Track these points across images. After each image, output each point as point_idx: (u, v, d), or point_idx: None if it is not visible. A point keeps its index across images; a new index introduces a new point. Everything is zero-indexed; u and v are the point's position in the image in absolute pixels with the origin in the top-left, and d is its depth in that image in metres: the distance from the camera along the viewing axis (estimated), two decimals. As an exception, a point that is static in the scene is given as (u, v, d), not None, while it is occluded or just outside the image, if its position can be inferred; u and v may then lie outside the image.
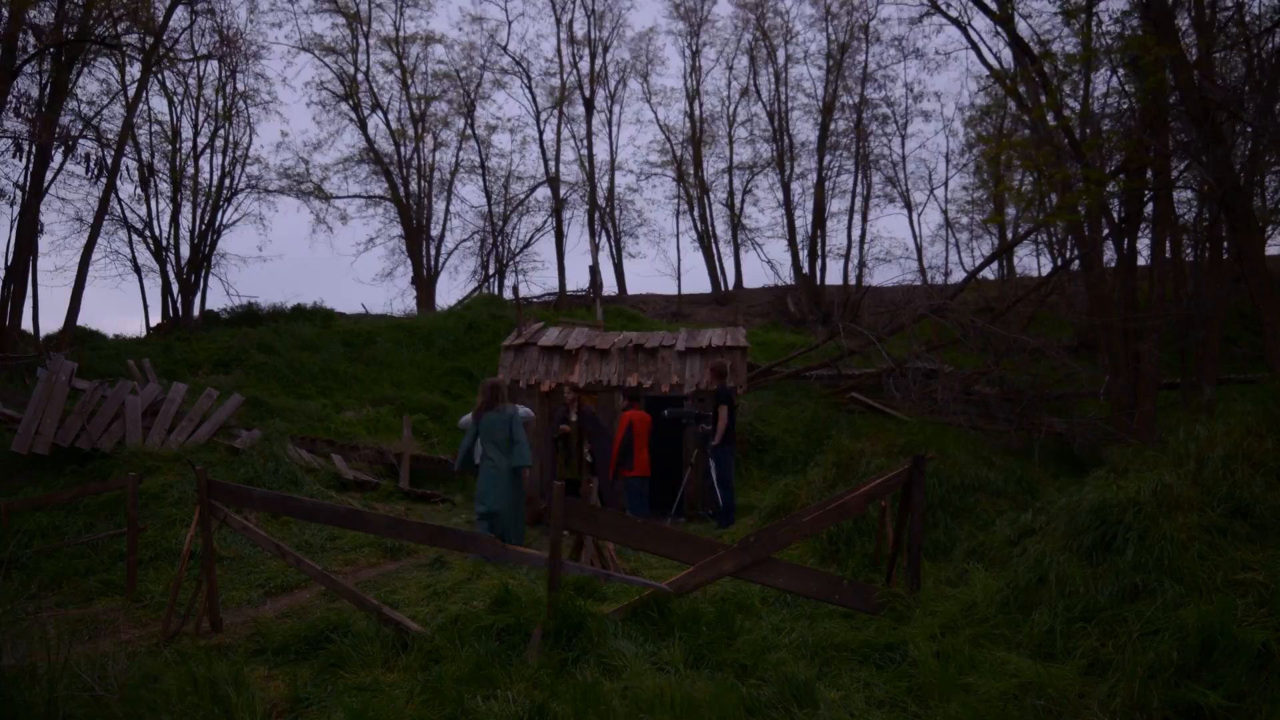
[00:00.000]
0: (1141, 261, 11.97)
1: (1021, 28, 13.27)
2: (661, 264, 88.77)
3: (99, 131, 22.21)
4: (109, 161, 20.95)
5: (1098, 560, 5.16)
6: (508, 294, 32.05)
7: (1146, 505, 5.15)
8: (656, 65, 36.14)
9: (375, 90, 32.51)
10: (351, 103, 32.16)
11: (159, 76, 25.12)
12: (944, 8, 14.83)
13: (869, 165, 32.52)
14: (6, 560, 8.16)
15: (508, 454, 9.28)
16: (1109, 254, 12.74)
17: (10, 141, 19.31)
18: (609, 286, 33.61)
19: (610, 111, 35.67)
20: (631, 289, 35.86)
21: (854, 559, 7.65)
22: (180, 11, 22.67)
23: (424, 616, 6.35)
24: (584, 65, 34.34)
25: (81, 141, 20.57)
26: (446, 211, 34.34)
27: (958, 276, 29.48)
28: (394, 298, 63.84)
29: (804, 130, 36.89)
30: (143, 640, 6.40)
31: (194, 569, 6.85)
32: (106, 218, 23.72)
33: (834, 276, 33.18)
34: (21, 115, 18.43)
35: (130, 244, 27.56)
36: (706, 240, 35.39)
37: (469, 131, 34.10)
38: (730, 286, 35.34)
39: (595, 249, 33.52)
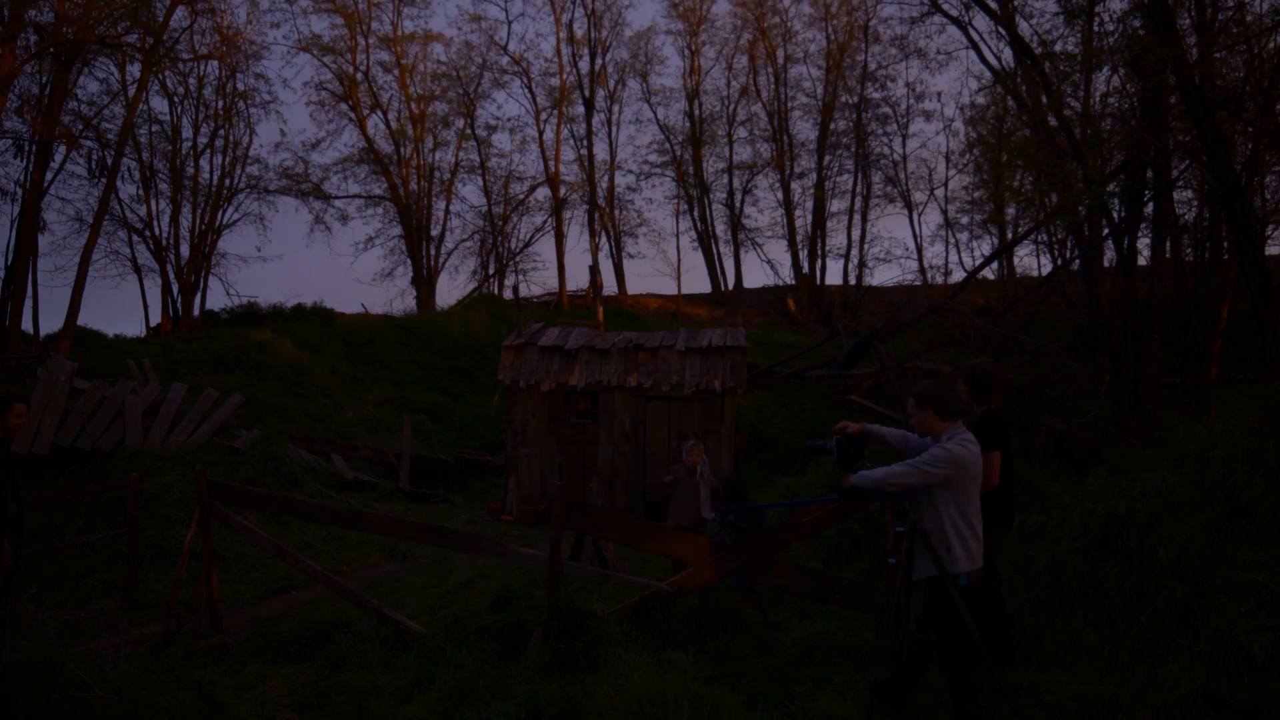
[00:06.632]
0: (1141, 261, 11.95)
1: (1023, 28, 13.25)
2: (661, 264, 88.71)
3: (99, 131, 22.21)
4: (109, 161, 20.94)
5: (1098, 560, 5.15)
6: (508, 294, 32.05)
7: (1147, 505, 5.15)
8: (656, 65, 36.14)
9: (374, 90, 32.51)
10: (351, 102, 32.14)
11: (159, 76, 25.11)
12: (945, 8, 14.79)
13: (869, 165, 32.51)
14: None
15: None
16: (1109, 254, 12.73)
17: (10, 141, 19.33)
18: (609, 286, 33.66)
19: (610, 111, 35.72)
20: (631, 289, 35.90)
21: (855, 559, 7.65)
22: (180, 11, 22.67)
23: (424, 617, 6.35)
24: (584, 65, 34.37)
25: (82, 141, 20.58)
26: (446, 211, 34.36)
27: (958, 276, 29.53)
28: (394, 298, 63.80)
29: (804, 130, 36.79)
30: (143, 640, 6.40)
31: (194, 569, 6.85)
32: (106, 218, 23.69)
33: (834, 276, 33.31)
34: (22, 114, 18.43)
35: (130, 244, 27.57)
36: (706, 240, 35.40)
37: (469, 131, 34.11)
38: (730, 286, 35.34)
39: (595, 249, 33.52)
